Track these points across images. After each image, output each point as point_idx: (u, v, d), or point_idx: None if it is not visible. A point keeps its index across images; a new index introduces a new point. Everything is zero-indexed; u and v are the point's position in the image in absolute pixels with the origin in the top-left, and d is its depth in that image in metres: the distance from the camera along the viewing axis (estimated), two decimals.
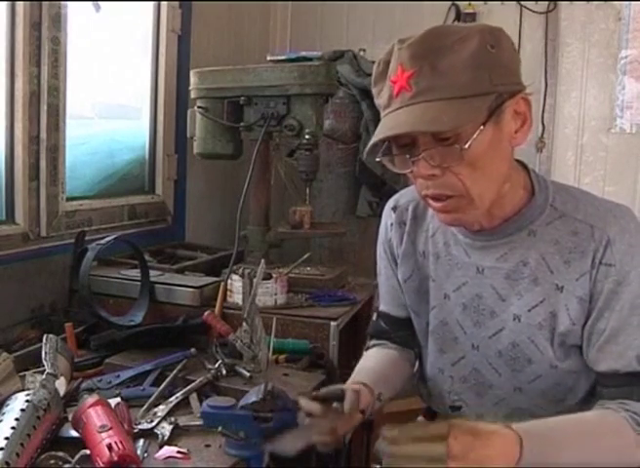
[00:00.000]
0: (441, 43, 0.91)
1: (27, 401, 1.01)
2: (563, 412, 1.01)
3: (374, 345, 1.31)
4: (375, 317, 1.33)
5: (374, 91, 1.00)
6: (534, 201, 1.04)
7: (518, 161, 1.06)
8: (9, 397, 1.05)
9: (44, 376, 1.13)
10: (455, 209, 0.99)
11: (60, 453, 0.98)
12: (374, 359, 1.25)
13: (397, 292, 1.25)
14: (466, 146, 0.90)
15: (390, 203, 1.24)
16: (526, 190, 1.05)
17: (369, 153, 0.98)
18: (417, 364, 1.29)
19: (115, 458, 0.92)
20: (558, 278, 1.02)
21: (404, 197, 1.22)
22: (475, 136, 0.90)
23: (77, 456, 0.96)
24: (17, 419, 0.96)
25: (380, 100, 0.98)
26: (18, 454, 0.90)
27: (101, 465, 0.93)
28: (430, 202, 1.01)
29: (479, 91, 0.90)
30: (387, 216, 1.23)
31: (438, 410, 1.24)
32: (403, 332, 1.27)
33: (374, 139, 0.94)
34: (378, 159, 0.99)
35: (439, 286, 1.15)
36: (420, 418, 1.32)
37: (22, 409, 0.98)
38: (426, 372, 1.25)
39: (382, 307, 1.30)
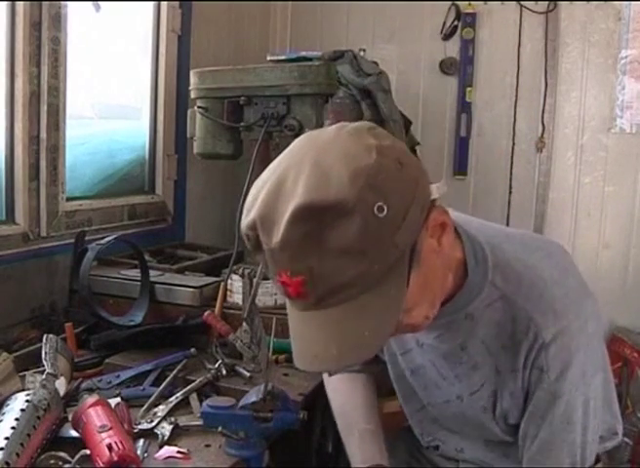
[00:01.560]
0: (315, 226, 0.70)
1: (27, 401, 1.01)
2: None
3: None
4: None
5: (257, 258, 0.80)
6: (468, 283, 0.91)
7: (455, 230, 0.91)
8: (9, 397, 1.05)
9: (44, 376, 1.13)
10: (402, 333, 0.92)
11: (61, 453, 0.98)
12: (365, 408, 1.17)
13: None
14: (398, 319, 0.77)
15: None
16: (463, 267, 0.92)
17: None
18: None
19: (115, 458, 0.92)
20: (497, 362, 0.95)
21: None
22: (402, 305, 0.76)
23: (77, 456, 0.96)
24: (17, 419, 0.96)
25: (273, 283, 0.80)
26: (18, 454, 0.90)
27: (101, 465, 0.93)
28: None
29: (387, 265, 0.73)
30: None
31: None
32: None
33: (304, 367, 0.79)
34: None
35: (388, 344, 1.09)
36: None
37: (22, 409, 0.98)
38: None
39: None
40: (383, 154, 0.73)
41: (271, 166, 0.80)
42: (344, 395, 1.20)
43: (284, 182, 0.74)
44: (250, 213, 0.76)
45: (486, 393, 0.98)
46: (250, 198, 0.78)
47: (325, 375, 1.25)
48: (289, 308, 0.80)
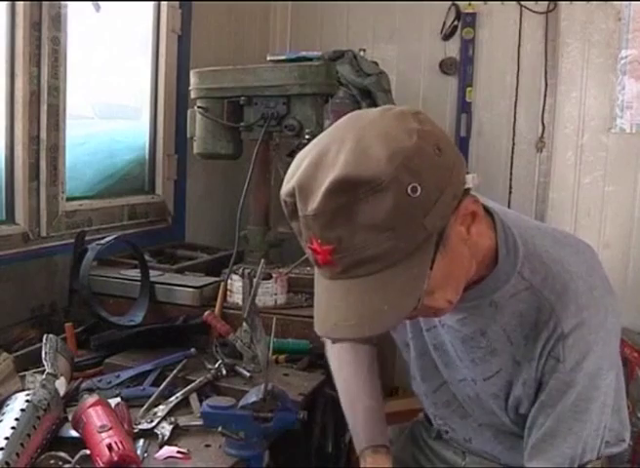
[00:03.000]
0: (350, 199, 0.73)
1: (27, 401, 1.01)
2: None
3: None
4: None
5: (292, 225, 0.83)
6: (496, 270, 0.93)
7: (488, 212, 0.94)
8: (9, 397, 1.05)
9: (44, 376, 1.13)
10: (423, 316, 0.95)
11: (61, 453, 0.98)
12: (368, 384, 1.18)
13: None
14: (418, 303, 0.79)
15: None
16: (494, 254, 0.93)
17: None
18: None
19: (115, 458, 0.92)
20: (517, 351, 0.96)
21: None
22: (425, 285, 0.78)
23: (77, 456, 0.96)
24: (17, 419, 0.96)
25: (305, 250, 0.83)
26: (18, 454, 0.90)
27: (101, 465, 0.93)
28: None
29: (414, 246, 0.76)
30: None
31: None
32: None
33: (326, 334, 0.83)
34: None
35: (416, 319, 1.10)
36: (421, 415, 1.32)
37: (22, 409, 0.98)
38: (415, 391, 1.23)
39: None
40: (424, 138, 0.76)
41: (315, 140, 0.83)
42: (348, 367, 1.21)
43: (325, 155, 0.77)
44: (290, 180, 0.79)
45: (500, 381, 0.99)
46: (292, 167, 0.81)
47: (328, 344, 1.26)
48: (316, 276, 0.83)
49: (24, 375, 1.22)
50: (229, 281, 1.67)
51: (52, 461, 0.97)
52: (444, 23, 2.77)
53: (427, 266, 0.78)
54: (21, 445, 0.92)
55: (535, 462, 0.96)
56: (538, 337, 0.92)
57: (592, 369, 0.91)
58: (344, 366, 1.22)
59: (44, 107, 1.66)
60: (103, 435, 0.97)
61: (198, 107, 1.89)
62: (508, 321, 0.95)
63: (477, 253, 0.89)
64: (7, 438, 0.91)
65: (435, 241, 0.78)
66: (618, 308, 0.95)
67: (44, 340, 1.25)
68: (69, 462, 0.96)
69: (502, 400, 1.00)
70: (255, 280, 1.41)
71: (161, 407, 1.20)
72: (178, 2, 2.24)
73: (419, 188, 0.73)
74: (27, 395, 1.03)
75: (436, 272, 0.79)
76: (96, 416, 1.02)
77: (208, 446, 1.10)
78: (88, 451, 0.97)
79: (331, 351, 1.26)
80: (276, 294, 1.66)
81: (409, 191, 0.73)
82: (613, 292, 0.96)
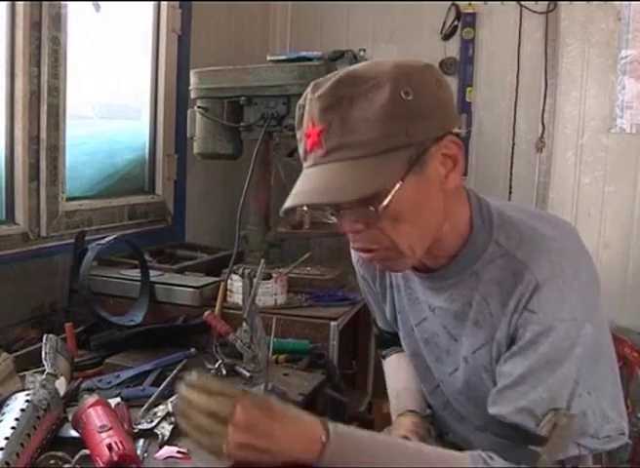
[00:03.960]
0: (352, 92, 0.84)
1: (27, 401, 1.01)
2: None
3: (389, 353, 1.33)
4: (376, 331, 1.35)
5: (297, 135, 0.93)
6: (472, 240, 0.97)
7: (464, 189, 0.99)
8: (9, 397, 1.05)
9: (44, 376, 1.13)
10: (383, 259, 0.95)
11: (60, 453, 0.98)
12: (403, 374, 1.28)
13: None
14: (383, 205, 0.85)
15: None
16: (469, 225, 0.98)
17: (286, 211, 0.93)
18: None
19: (115, 458, 0.92)
20: (497, 320, 0.96)
21: None
22: (393, 193, 0.84)
23: (77, 456, 0.96)
24: (17, 419, 0.96)
25: (299, 150, 0.93)
26: (18, 454, 0.90)
27: (101, 465, 0.93)
28: (359, 253, 0.98)
29: (393, 145, 0.84)
30: (354, 254, 1.18)
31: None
32: None
33: (288, 204, 0.89)
34: (305, 208, 0.98)
35: (405, 317, 1.14)
36: None
37: (22, 409, 0.98)
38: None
39: (380, 324, 1.30)
40: (430, 70, 0.89)
41: None
42: (393, 368, 1.33)
43: (346, 70, 0.89)
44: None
45: (486, 352, 0.99)
46: None
47: (384, 360, 1.37)
48: (304, 167, 0.91)
49: (24, 375, 1.22)
50: (229, 281, 1.67)
51: (52, 461, 0.97)
52: (444, 23, 2.77)
53: (399, 174, 0.85)
54: (21, 445, 0.92)
55: (497, 407, 0.94)
56: (512, 294, 0.93)
57: (567, 319, 0.90)
58: (393, 371, 1.33)
59: (44, 107, 1.66)
60: (103, 435, 0.97)
61: (198, 107, 1.89)
62: (488, 288, 0.97)
63: (449, 213, 0.94)
64: (7, 438, 0.91)
65: (411, 155, 0.85)
66: (593, 269, 0.96)
67: (44, 340, 1.25)
68: (69, 462, 0.96)
69: (492, 373, 1.00)
70: (255, 280, 1.41)
71: (161, 407, 1.20)
72: (178, 2, 2.24)
73: (411, 94, 0.84)
74: (27, 395, 1.02)
75: (406, 194, 0.86)
76: (96, 416, 1.02)
77: None
78: (88, 451, 0.97)
79: (386, 364, 1.36)
80: (276, 294, 1.66)
81: (402, 94, 0.83)
82: (589, 257, 0.97)
